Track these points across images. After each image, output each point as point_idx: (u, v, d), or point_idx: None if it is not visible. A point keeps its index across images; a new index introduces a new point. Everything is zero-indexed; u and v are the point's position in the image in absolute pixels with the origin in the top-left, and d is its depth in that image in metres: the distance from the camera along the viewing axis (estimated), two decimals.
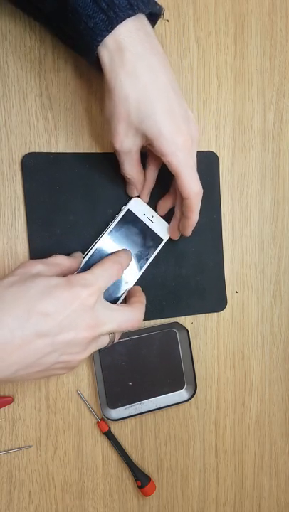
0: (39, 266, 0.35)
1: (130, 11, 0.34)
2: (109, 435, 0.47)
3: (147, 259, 0.45)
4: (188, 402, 0.51)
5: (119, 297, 0.44)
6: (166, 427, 0.51)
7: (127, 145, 0.38)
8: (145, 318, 0.48)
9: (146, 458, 0.50)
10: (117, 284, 0.44)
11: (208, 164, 0.50)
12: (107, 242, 0.44)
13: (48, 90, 0.44)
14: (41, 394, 0.46)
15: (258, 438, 0.55)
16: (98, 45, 0.34)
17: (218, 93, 0.50)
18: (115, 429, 0.49)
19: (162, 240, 0.46)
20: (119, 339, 0.47)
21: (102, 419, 0.47)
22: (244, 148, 0.51)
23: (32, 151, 0.44)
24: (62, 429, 0.47)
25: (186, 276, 0.49)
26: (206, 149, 0.50)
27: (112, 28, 0.33)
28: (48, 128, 0.44)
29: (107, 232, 0.44)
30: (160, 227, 0.46)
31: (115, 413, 0.48)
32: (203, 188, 0.49)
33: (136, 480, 0.49)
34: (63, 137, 0.45)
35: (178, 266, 0.49)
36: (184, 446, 0.52)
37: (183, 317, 0.50)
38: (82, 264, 0.42)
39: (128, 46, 0.34)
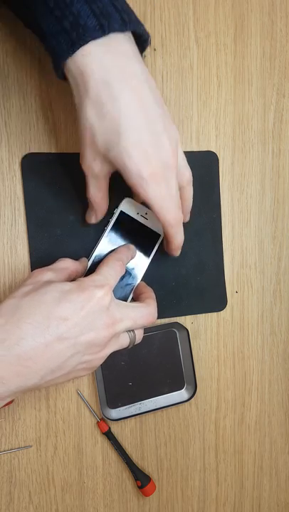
0: (49, 273, 0.36)
1: (99, 33, 0.31)
2: (109, 435, 0.47)
3: (149, 256, 0.45)
4: (188, 402, 0.51)
5: (128, 296, 0.44)
6: (166, 427, 0.51)
7: (94, 170, 0.37)
8: None
9: (146, 458, 0.50)
10: (124, 284, 0.44)
11: (208, 164, 0.50)
12: (106, 246, 0.44)
13: (48, 90, 0.44)
14: (41, 394, 0.46)
15: (258, 438, 0.55)
16: (62, 67, 0.33)
17: (218, 93, 0.50)
18: (115, 429, 0.49)
19: (160, 235, 0.46)
20: None
21: (102, 419, 0.47)
22: (244, 148, 0.51)
23: (32, 151, 0.44)
24: (62, 429, 0.47)
25: (186, 276, 0.49)
26: (206, 149, 0.50)
27: (74, 51, 0.31)
28: (48, 128, 0.44)
29: (104, 236, 0.44)
30: (155, 223, 0.46)
31: (115, 413, 0.48)
32: (203, 188, 0.49)
33: (136, 480, 0.49)
34: (63, 137, 0.45)
35: (178, 266, 0.49)
36: (184, 446, 0.52)
37: (183, 317, 0.50)
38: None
39: (92, 73, 0.32)
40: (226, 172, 0.51)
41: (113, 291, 0.40)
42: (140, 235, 0.45)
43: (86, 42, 0.31)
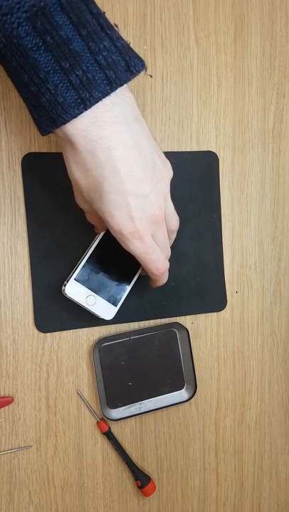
0: None
1: (80, 108, 0.30)
2: (109, 435, 0.47)
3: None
4: (188, 402, 0.51)
5: (120, 298, 0.44)
6: (166, 427, 0.51)
7: (84, 208, 0.39)
8: (145, 318, 0.49)
9: (146, 458, 0.50)
10: (117, 285, 0.44)
11: (208, 164, 0.50)
12: (100, 247, 0.43)
13: None
14: (41, 394, 0.46)
15: (258, 438, 0.55)
16: (47, 134, 0.32)
17: (218, 93, 0.50)
18: (115, 429, 0.49)
19: None
20: (119, 339, 0.47)
21: (102, 419, 0.47)
22: (244, 148, 0.51)
23: (32, 151, 0.44)
24: (62, 429, 0.47)
25: (186, 276, 0.49)
26: (206, 149, 0.50)
27: (57, 127, 0.31)
28: None
29: (97, 240, 0.43)
30: None
31: (115, 413, 0.48)
32: (203, 188, 0.49)
33: (136, 480, 0.49)
34: None
35: (178, 266, 0.49)
36: (184, 446, 0.52)
37: (183, 317, 0.50)
38: (76, 274, 0.42)
39: (77, 143, 0.31)
40: (225, 172, 0.51)
41: (102, 295, 0.42)
42: None
43: (66, 121, 0.30)
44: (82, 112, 0.30)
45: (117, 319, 0.47)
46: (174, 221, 0.42)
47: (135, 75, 0.32)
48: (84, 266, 0.42)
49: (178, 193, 0.48)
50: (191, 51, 0.48)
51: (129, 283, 0.45)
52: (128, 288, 0.45)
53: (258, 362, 0.54)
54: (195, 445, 0.52)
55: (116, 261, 0.44)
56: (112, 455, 0.49)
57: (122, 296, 0.44)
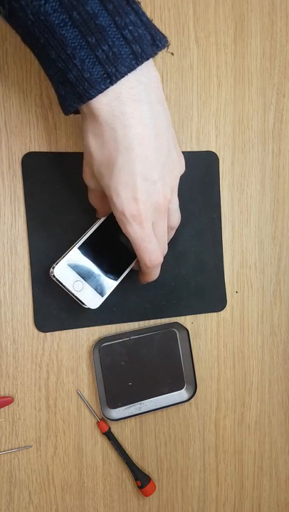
0: None
1: (106, 83, 0.30)
2: (109, 435, 0.47)
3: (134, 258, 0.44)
4: (188, 402, 0.51)
5: (108, 289, 0.43)
6: (166, 427, 0.51)
7: (90, 185, 0.38)
8: (145, 318, 0.49)
9: (146, 458, 0.50)
10: (106, 276, 0.43)
11: (208, 164, 0.50)
12: (96, 234, 0.42)
13: (48, 90, 0.44)
14: (41, 394, 0.46)
15: (258, 438, 0.55)
16: (71, 111, 0.33)
17: (218, 93, 0.50)
18: (115, 429, 0.49)
19: None
20: (119, 339, 0.47)
21: (102, 419, 0.47)
22: (244, 148, 0.51)
23: (32, 151, 0.44)
24: (62, 429, 0.47)
25: (186, 276, 0.50)
26: (206, 149, 0.50)
27: (83, 102, 0.31)
28: (48, 128, 0.44)
29: (95, 226, 0.42)
30: None
31: (115, 413, 0.48)
32: (203, 188, 0.49)
33: (136, 480, 0.49)
34: (63, 137, 0.45)
35: (178, 266, 0.49)
36: (184, 446, 0.52)
37: (183, 317, 0.50)
38: (67, 257, 0.40)
39: (99, 116, 0.32)
40: (225, 172, 0.51)
41: (90, 283, 0.41)
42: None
43: (93, 97, 0.30)
44: (108, 87, 0.30)
45: (117, 319, 0.47)
46: (176, 218, 0.41)
47: (160, 49, 0.31)
48: (76, 250, 0.41)
49: (178, 193, 0.48)
50: (191, 51, 0.48)
51: (120, 275, 0.44)
52: (118, 280, 0.43)
53: (258, 362, 0.54)
54: (195, 445, 0.52)
55: (110, 251, 0.43)
56: (112, 455, 0.49)
57: (110, 287, 0.43)
